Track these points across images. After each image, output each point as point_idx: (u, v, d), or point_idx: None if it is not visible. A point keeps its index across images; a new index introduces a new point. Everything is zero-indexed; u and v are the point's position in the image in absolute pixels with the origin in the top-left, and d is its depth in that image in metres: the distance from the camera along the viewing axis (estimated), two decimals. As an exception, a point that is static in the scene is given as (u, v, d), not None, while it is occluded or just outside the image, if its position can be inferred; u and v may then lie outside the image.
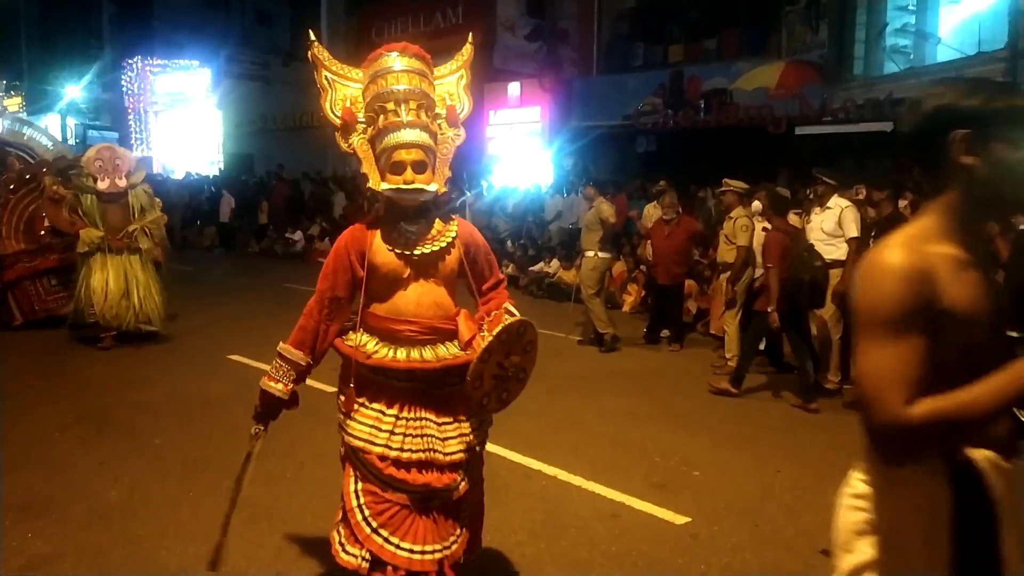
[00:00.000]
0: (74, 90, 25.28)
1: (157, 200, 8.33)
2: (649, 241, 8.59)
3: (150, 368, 6.77)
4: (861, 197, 7.30)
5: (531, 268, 11.85)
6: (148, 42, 23.54)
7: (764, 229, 7.13)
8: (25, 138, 9.88)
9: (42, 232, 8.15)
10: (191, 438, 5.03)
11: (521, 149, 16.19)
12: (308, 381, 2.93)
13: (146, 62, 22.70)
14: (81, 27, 26.85)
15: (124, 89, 22.80)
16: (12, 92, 27.95)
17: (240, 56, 23.45)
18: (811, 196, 6.96)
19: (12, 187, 8.34)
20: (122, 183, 7.45)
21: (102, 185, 7.38)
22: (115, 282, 7.28)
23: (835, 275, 6.17)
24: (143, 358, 7.14)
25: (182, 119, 22.97)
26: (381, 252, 2.65)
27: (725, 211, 7.28)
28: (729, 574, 3.42)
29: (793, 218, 7.40)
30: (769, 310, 6.00)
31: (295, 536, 3.68)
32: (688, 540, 3.74)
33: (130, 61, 22.70)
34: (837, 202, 6.33)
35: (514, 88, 16.65)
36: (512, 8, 17.54)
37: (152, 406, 5.69)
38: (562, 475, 4.48)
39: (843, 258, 6.15)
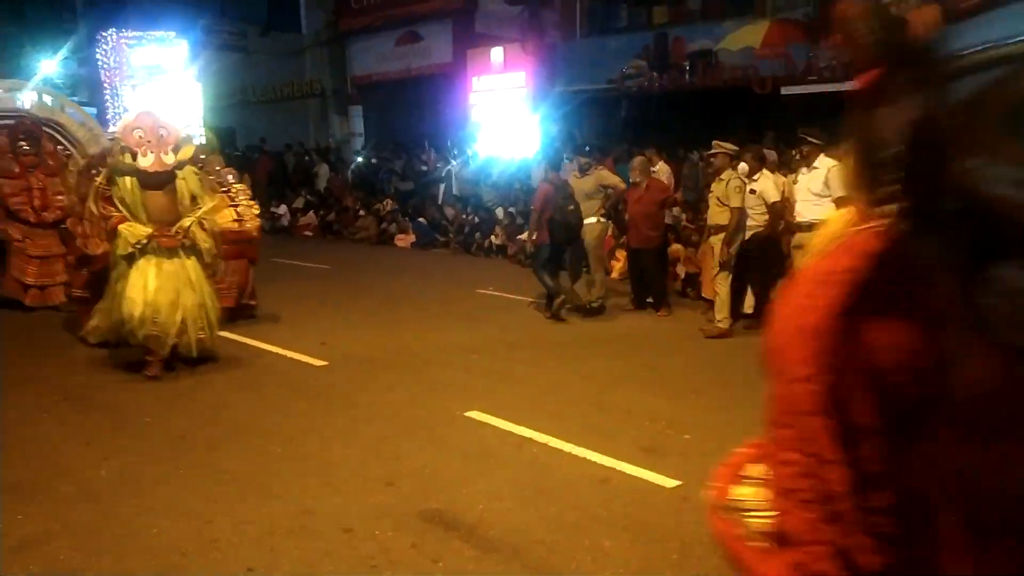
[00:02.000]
0: (49, 65, 24.76)
1: (229, 175, 6.98)
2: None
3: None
4: (848, 156, 7.26)
5: (519, 237, 11.78)
6: (123, 14, 22.98)
7: (751, 191, 7.12)
8: (54, 114, 8.73)
9: None
10: (177, 415, 5.01)
11: (505, 115, 16.02)
12: (290, 352, 2.83)
13: (121, 35, 22.17)
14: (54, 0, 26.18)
15: (99, 63, 22.27)
16: (-15, 69, 27.37)
17: (217, 26, 22.97)
18: (797, 157, 6.93)
19: (94, 172, 6.32)
20: (169, 160, 5.66)
21: (144, 163, 5.58)
22: (164, 292, 5.52)
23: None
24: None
25: (160, 93, 22.58)
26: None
27: (715, 173, 7.24)
28: (719, 535, 3.44)
29: (779, 178, 7.38)
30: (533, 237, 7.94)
31: (286, 511, 3.67)
32: (679, 503, 3.75)
33: (104, 34, 22.18)
34: (824, 161, 6.30)
35: (497, 54, 16.40)
36: (493, -29, 17.23)
37: (137, 384, 5.64)
38: (552, 442, 4.48)
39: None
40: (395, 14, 18.19)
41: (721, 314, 7.03)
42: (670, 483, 3.96)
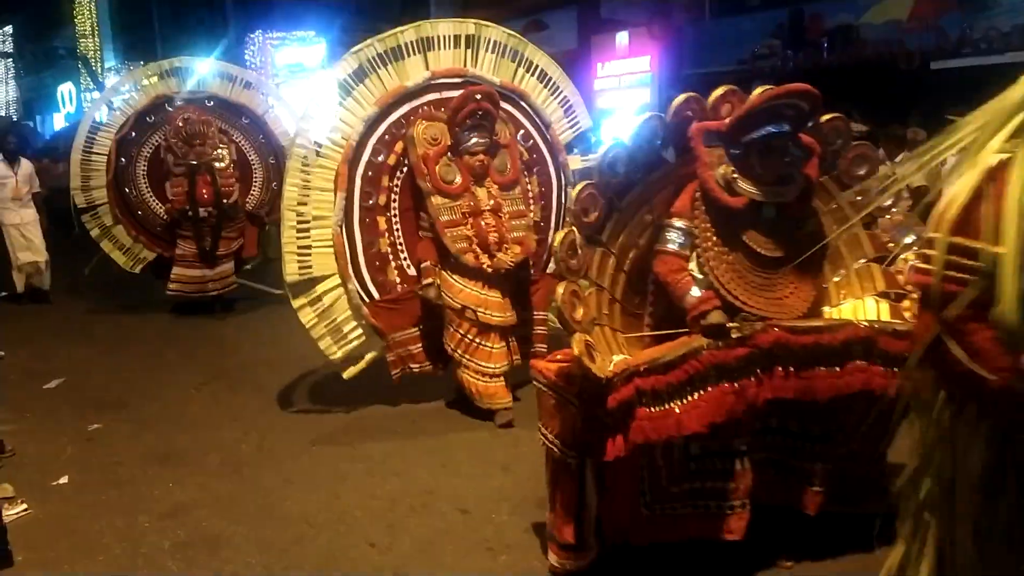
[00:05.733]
0: (204, 67, 26.73)
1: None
2: None
3: (276, 329, 7.11)
4: (1005, 135, 6.67)
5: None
6: (268, 16, 24.52)
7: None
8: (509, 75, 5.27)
9: None
10: (313, 394, 5.32)
11: (631, 101, 15.78)
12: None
13: (267, 35, 23.62)
14: (207, 4, 28.22)
15: (248, 63, 23.83)
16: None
17: (353, 25, 23.98)
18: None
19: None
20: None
21: None
22: None
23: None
24: (270, 321, 7.49)
25: (301, 91, 23.82)
26: None
27: None
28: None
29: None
30: None
31: (408, 489, 3.83)
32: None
33: (252, 36, 23.70)
34: (975, 142, 5.80)
35: (622, 38, 16.17)
36: (620, -45, 16.99)
37: (279, 364, 6.01)
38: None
39: (981, 203, 5.65)
40: (521, 4, 18.31)
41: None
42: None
